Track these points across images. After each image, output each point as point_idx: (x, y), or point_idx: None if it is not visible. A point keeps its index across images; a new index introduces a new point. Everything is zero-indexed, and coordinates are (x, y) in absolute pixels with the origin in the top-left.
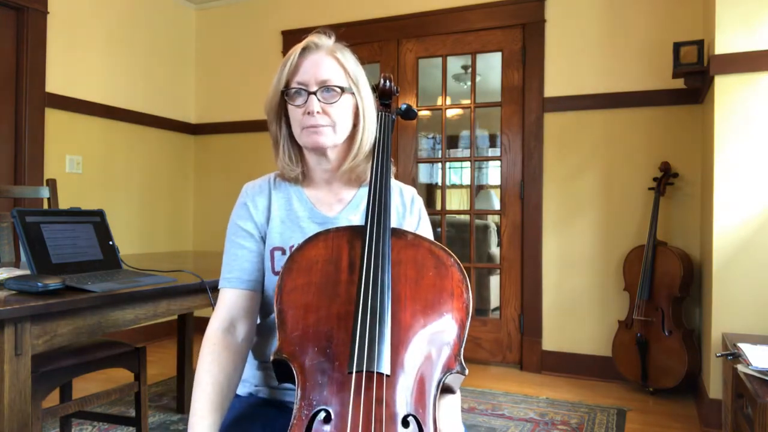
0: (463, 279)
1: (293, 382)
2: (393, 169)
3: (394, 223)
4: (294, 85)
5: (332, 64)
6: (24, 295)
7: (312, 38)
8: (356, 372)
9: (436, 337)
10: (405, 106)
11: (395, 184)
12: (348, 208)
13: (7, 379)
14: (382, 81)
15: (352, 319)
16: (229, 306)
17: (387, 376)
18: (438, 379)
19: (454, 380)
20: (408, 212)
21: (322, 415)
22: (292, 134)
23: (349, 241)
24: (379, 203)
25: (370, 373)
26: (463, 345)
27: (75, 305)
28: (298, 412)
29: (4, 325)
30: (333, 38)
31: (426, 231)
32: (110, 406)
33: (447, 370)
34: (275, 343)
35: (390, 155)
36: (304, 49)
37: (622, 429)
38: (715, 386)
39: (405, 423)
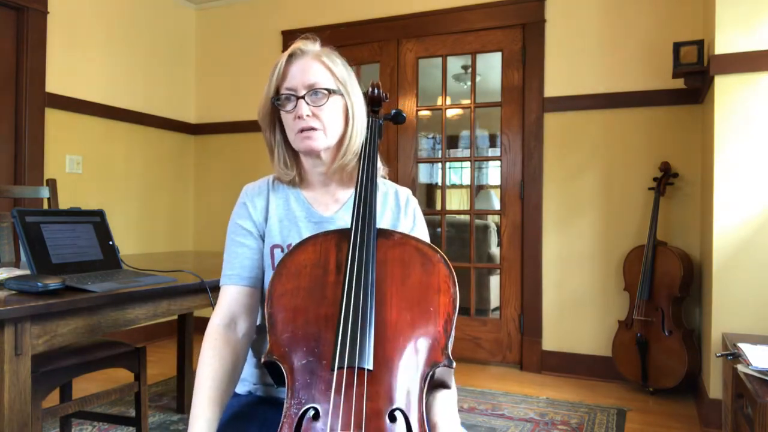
0: (449, 274)
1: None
2: (386, 169)
3: (388, 224)
4: (283, 91)
5: (319, 68)
6: (24, 295)
7: (298, 44)
8: (338, 368)
9: (422, 332)
10: (394, 111)
11: (390, 186)
12: (344, 208)
13: (7, 379)
14: (370, 89)
15: None
16: (229, 302)
17: (370, 371)
18: (424, 373)
19: (443, 374)
20: (403, 214)
21: (311, 412)
22: (286, 139)
23: (337, 243)
24: (364, 205)
25: (353, 369)
26: (451, 339)
27: (75, 305)
28: (287, 411)
29: (4, 325)
30: (318, 43)
31: (421, 232)
32: (110, 406)
33: (434, 363)
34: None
35: (376, 157)
36: (291, 56)
37: (622, 429)
38: (715, 386)
39: (392, 417)
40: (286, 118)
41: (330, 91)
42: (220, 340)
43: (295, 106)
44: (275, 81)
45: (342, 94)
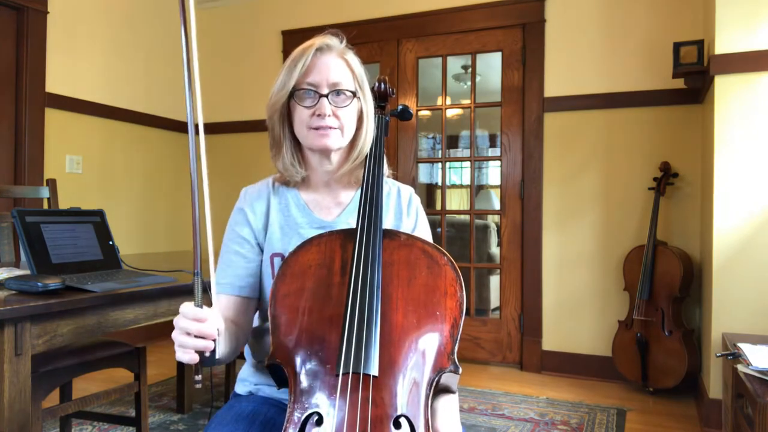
0: (456, 277)
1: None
2: (389, 171)
3: (391, 223)
4: (304, 85)
5: (343, 66)
6: (24, 295)
7: (324, 39)
8: (344, 374)
9: (428, 336)
10: (401, 107)
11: (392, 184)
12: (346, 211)
13: (7, 379)
14: (377, 84)
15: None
16: (223, 309)
17: (375, 377)
18: (430, 378)
19: (449, 379)
20: (405, 213)
21: (315, 417)
22: (295, 136)
23: (342, 244)
24: (370, 205)
25: (359, 374)
26: (457, 344)
27: (75, 305)
28: (290, 415)
29: (4, 325)
30: (344, 40)
31: (424, 230)
32: (110, 406)
33: (440, 369)
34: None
35: (383, 157)
36: (318, 50)
37: (622, 429)
38: (715, 386)
39: (397, 424)
40: (301, 113)
41: (353, 94)
42: None
43: (316, 103)
44: (298, 73)
45: (359, 97)
